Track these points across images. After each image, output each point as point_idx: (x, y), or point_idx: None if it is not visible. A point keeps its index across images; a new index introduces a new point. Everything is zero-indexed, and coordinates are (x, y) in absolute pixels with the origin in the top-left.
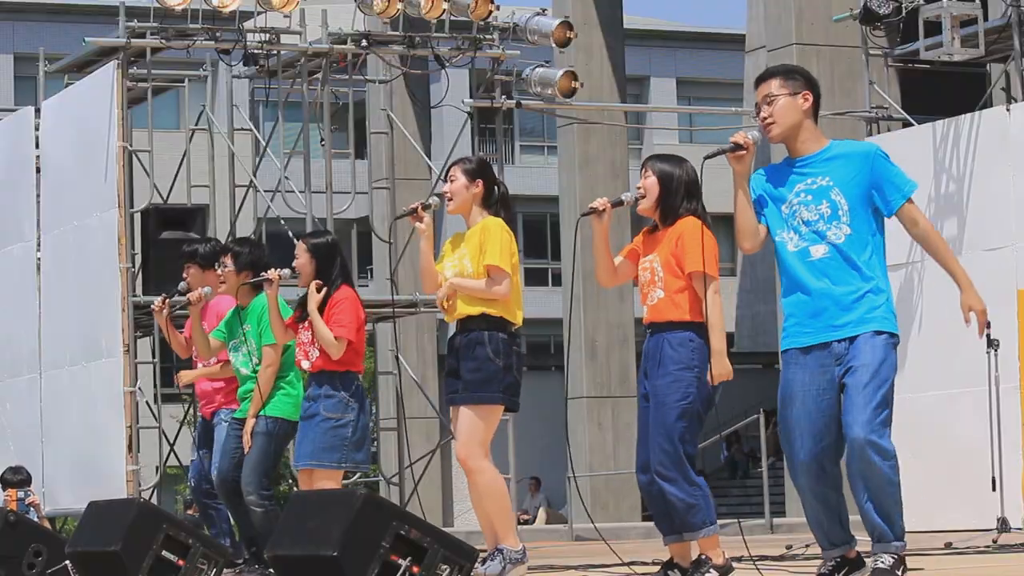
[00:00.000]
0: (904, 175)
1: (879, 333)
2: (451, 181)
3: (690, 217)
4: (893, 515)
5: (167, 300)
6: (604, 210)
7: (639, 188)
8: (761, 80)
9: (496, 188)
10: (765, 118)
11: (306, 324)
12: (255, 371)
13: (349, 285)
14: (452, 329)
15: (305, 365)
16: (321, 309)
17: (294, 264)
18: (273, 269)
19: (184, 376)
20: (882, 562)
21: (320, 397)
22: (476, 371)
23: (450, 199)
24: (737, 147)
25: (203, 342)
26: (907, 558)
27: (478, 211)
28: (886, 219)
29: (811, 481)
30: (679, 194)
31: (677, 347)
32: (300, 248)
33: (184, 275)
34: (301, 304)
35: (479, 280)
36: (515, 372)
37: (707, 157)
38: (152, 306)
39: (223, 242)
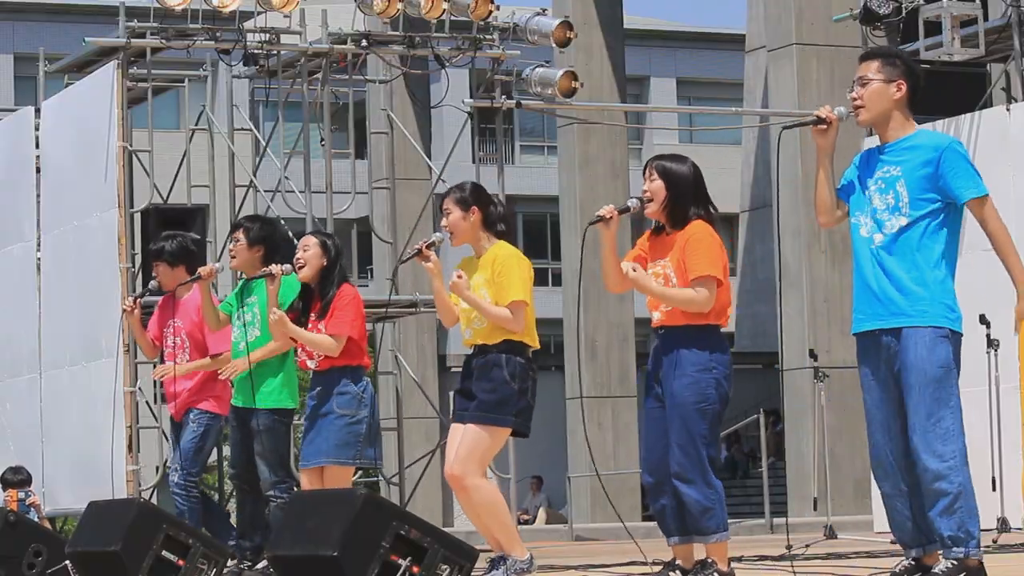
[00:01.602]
0: (972, 175)
1: (922, 327)
2: (446, 215)
3: (699, 221)
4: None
5: (138, 300)
6: (611, 218)
7: (645, 192)
8: (863, 59)
9: (493, 207)
10: (855, 99)
11: (309, 325)
12: (249, 345)
13: (348, 283)
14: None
15: (311, 364)
16: (325, 310)
17: (301, 256)
18: (275, 264)
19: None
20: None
21: (333, 394)
22: (491, 392)
23: (451, 233)
24: (819, 120)
25: (212, 315)
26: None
27: (484, 236)
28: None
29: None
30: (687, 196)
31: (694, 348)
32: (312, 241)
33: (154, 274)
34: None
35: (503, 310)
36: (529, 397)
37: (786, 127)
38: (124, 307)
39: (187, 241)
